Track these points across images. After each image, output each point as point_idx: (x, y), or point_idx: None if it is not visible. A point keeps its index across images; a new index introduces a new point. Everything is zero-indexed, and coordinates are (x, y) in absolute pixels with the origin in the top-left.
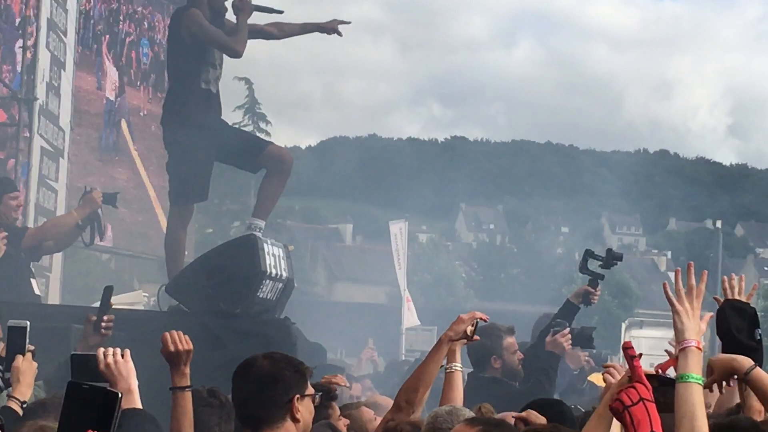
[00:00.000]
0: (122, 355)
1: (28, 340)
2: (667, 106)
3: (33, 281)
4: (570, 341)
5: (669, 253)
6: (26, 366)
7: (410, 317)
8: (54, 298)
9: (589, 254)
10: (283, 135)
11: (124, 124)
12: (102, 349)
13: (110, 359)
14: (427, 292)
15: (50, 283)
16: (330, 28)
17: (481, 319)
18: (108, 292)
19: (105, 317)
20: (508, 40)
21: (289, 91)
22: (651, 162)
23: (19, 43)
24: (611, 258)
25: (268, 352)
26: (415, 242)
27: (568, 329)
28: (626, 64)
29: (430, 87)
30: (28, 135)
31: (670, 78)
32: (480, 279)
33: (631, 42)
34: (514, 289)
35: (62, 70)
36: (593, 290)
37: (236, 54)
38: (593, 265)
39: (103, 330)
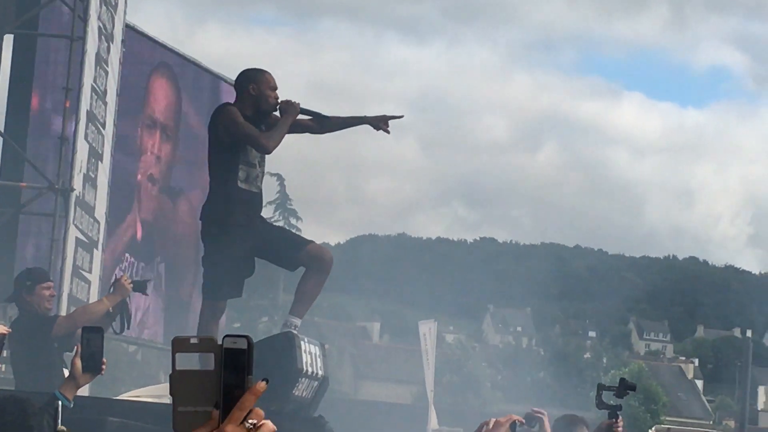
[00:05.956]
0: None
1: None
2: (689, 213)
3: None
4: None
5: (696, 361)
6: None
7: (433, 419)
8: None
9: (601, 387)
10: (312, 231)
11: None
12: None
13: None
14: (454, 393)
15: None
16: (378, 123)
17: (518, 421)
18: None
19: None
20: (532, 144)
21: (315, 188)
22: (680, 268)
23: (57, 133)
24: (624, 388)
25: None
26: (443, 343)
27: None
28: (648, 170)
29: (455, 188)
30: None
31: (692, 186)
32: (507, 381)
33: (654, 149)
34: (541, 393)
35: (99, 162)
36: (615, 422)
37: (265, 150)
38: (607, 397)
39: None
